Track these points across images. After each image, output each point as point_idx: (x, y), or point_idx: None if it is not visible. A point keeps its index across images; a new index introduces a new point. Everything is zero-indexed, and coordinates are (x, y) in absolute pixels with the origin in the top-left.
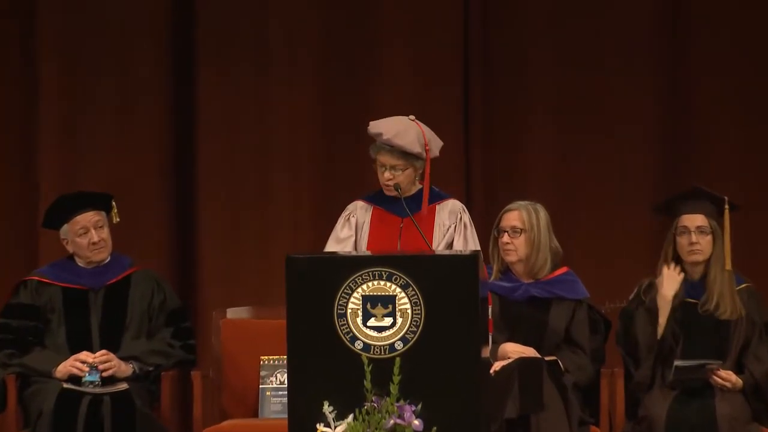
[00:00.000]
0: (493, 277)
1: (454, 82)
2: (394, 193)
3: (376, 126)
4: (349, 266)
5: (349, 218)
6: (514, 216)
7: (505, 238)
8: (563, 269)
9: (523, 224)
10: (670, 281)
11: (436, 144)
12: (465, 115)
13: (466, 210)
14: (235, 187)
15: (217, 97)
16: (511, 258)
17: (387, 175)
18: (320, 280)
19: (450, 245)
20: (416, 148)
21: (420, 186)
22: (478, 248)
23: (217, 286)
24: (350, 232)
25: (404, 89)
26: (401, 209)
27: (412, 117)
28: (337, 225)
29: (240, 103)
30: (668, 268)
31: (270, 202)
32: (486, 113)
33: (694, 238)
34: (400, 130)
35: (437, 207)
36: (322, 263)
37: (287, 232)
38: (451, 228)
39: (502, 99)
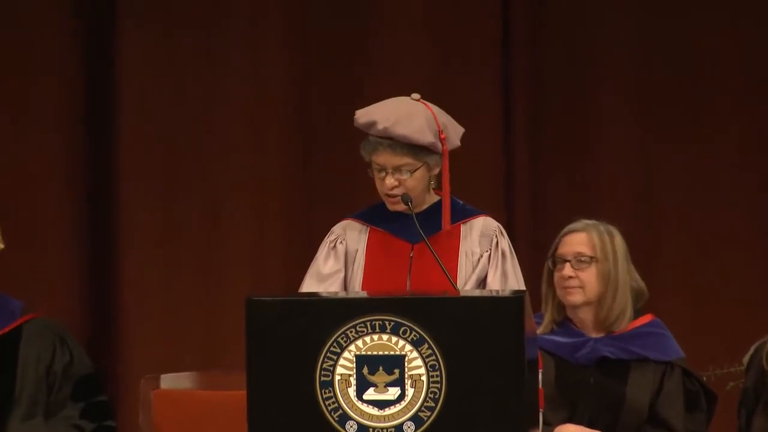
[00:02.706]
0: (542, 329)
1: (489, 55)
2: (401, 207)
3: (366, 113)
4: (338, 313)
5: (335, 245)
6: (579, 239)
7: (567, 269)
8: (646, 317)
9: (594, 251)
10: None
11: (454, 130)
12: (505, 103)
13: (503, 232)
14: (171, 201)
15: (146, 71)
16: (576, 299)
17: (390, 181)
18: (296, 334)
19: (482, 282)
20: (427, 137)
21: (438, 197)
22: (523, 287)
23: (146, 343)
24: (337, 265)
25: (417, 66)
26: (411, 231)
27: (416, 96)
28: (317, 256)
29: (178, 79)
30: None
31: (221, 224)
32: (535, 100)
33: None
34: (402, 114)
35: (462, 228)
36: (298, 309)
37: (246, 267)
38: (484, 258)
39: (559, 80)
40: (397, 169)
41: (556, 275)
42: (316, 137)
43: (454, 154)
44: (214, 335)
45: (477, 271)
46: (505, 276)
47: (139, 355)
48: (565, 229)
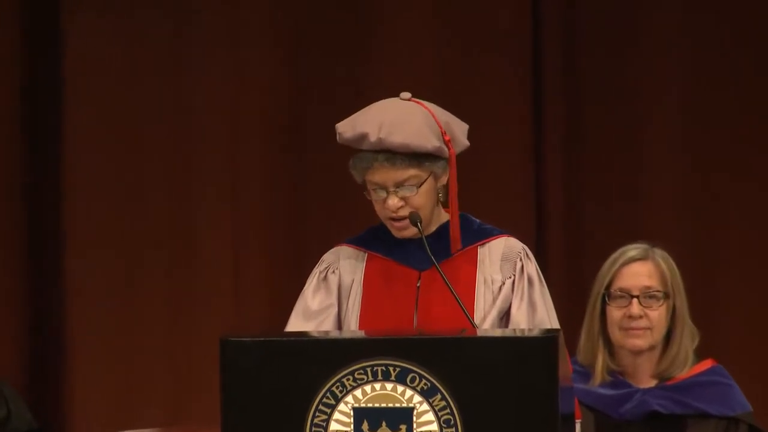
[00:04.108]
0: (598, 381)
1: (516, 45)
2: (410, 233)
3: (352, 126)
4: (332, 356)
5: (326, 276)
6: (646, 270)
7: (635, 307)
8: (706, 363)
9: (665, 285)
10: None
11: (458, 128)
12: (535, 102)
13: (530, 255)
14: (129, 225)
15: (99, 63)
16: (641, 342)
17: (393, 202)
18: (281, 382)
19: (505, 316)
20: (431, 142)
21: (449, 215)
22: (556, 322)
23: (99, 394)
24: (329, 299)
25: (427, 59)
26: (417, 256)
27: (406, 95)
28: (305, 289)
29: (141, 74)
30: None
31: (189, 250)
32: (571, 96)
33: None
34: (395, 119)
35: (480, 251)
36: (283, 351)
37: (220, 302)
38: (506, 286)
39: (600, 74)
40: (399, 186)
41: (615, 314)
42: (305, 141)
43: (469, 164)
44: (181, 384)
45: (498, 302)
46: (532, 307)
47: (90, 408)
48: (622, 257)
